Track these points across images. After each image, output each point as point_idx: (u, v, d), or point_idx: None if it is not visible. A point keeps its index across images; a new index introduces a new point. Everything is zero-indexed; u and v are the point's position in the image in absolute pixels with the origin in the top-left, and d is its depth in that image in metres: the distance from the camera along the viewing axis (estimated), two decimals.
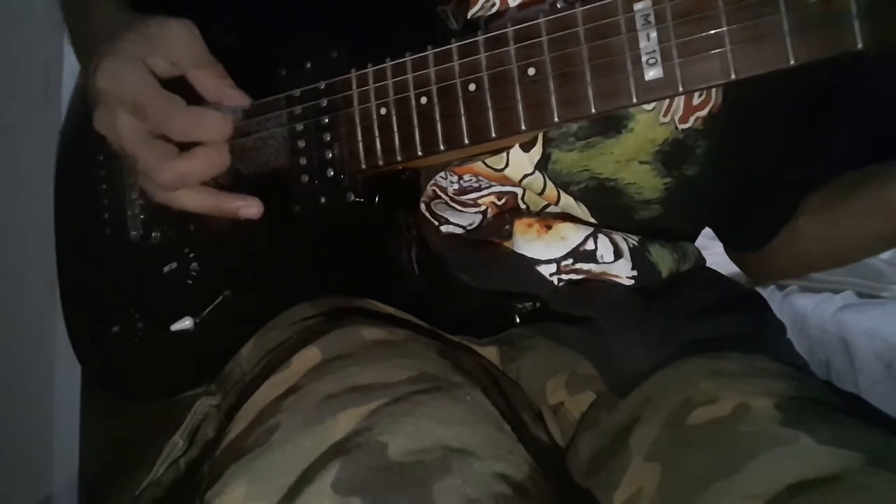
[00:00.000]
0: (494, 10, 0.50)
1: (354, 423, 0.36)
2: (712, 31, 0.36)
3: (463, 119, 0.43)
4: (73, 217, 0.68)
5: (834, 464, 0.37)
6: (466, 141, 0.43)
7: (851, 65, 0.51)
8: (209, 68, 0.48)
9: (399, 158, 0.45)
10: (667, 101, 0.51)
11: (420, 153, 0.44)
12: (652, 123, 0.51)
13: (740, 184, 0.56)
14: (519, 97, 0.41)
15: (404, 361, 0.42)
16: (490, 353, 0.55)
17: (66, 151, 0.70)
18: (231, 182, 0.51)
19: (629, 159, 0.52)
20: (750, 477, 0.38)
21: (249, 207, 0.48)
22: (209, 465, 0.40)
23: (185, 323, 0.56)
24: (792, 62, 0.35)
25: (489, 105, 0.42)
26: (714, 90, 0.52)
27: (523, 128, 0.41)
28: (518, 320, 0.52)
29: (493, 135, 0.42)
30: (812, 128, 0.55)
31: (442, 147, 0.43)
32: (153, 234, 0.59)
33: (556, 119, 0.40)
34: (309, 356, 0.43)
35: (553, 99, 0.40)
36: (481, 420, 0.39)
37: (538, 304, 0.53)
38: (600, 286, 0.54)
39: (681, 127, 0.52)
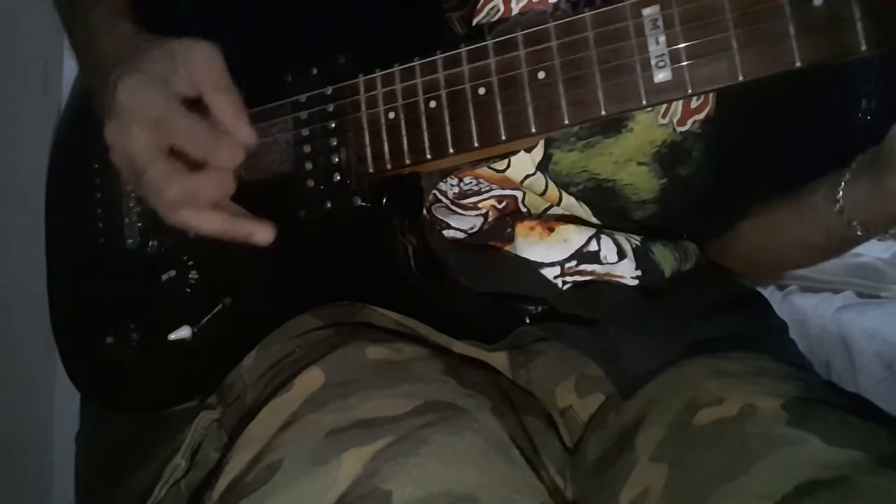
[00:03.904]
0: (498, 16, 0.50)
1: (359, 467, 0.35)
2: (720, 35, 0.37)
3: (473, 122, 0.43)
4: (65, 225, 0.67)
5: (841, 464, 0.37)
6: (476, 144, 0.43)
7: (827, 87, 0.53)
8: (229, 95, 0.47)
9: (408, 162, 0.46)
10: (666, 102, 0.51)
11: (429, 156, 0.45)
12: (651, 124, 0.51)
13: (728, 185, 0.57)
14: (529, 100, 0.41)
15: (409, 387, 0.41)
16: (500, 359, 0.55)
17: (59, 160, 0.69)
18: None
19: (628, 160, 0.53)
20: (758, 478, 0.38)
21: (262, 233, 0.48)
22: (209, 500, 0.40)
23: (183, 332, 0.55)
24: (798, 64, 0.36)
25: (499, 108, 0.42)
26: (710, 95, 0.52)
27: (533, 130, 0.41)
28: (528, 321, 0.52)
29: (503, 137, 0.42)
30: (779, 139, 0.57)
31: (451, 150, 0.44)
32: (151, 243, 0.58)
33: (566, 121, 0.40)
34: (312, 378, 0.42)
35: (563, 101, 0.40)
36: (488, 452, 0.38)
37: (544, 308, 0.53)
38: (605, 288, 0.54)
39: (679, 129, 0.52)
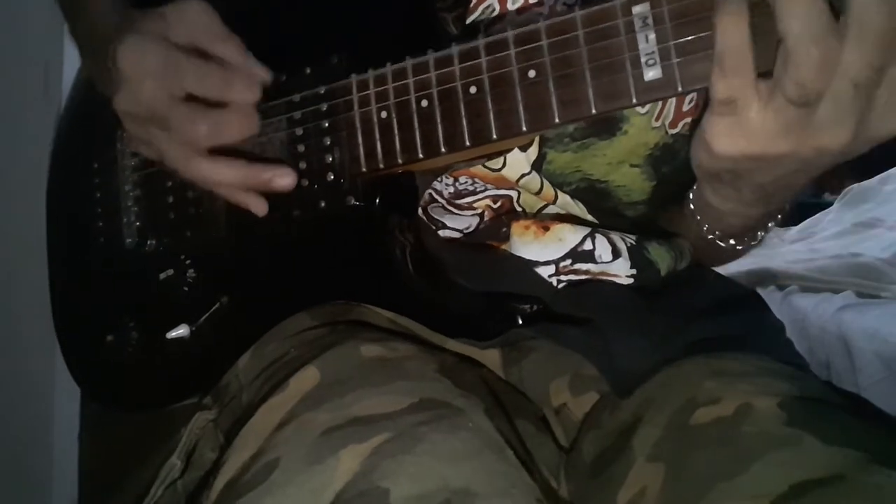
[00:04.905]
0: (494, 14, 0.50)
1: (356, 465, 0.36)
2: (710, 32, 0.36)
3: (464, 121, 0.43)
4: (65, 225, 0.68)
5: (838, 464, 0.37)
6: (468, 143, 0.43)
7: None
8: (231, 41, 0.48)
9: (400, 161, 0.46)
10: (659, 105, 0.51)
11: (421, 155, 0.45)
12: (645, 127, 0.52)
13: None
14: (520, 99, 0.41)
15: (405, 385, 0.41)
16: (492, 356, 0.55)
17: (59, 161, 0.70)
18: None
19: (621, 161, 0.53)
20: (755, 477, 0.38)
21: (283, 177, 0.48)
22: (207, 500, 0.40)
23: (181, 330, 0.55)
24: None
25: (490, 107, 0.42)
26: (702, 98, 0.52)
27: (524, 129, 0.41)
28: (521, 321, 0.52)
29: (495, 136, 0.42)
30: None
31: (443, 149, 0.44)
32: (149, 242, 0.59)
33: (556, 120, 0.40)
34: (307, 377, 0.43)
35: (554, 100, 0.40)
36: (484, 450, 0.38)
37: (538, 307, 0.53)
38: (600, 287, 0.54)
39: (671, 132, 0.52)
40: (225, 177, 0.48)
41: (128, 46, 0.46)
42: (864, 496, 0.35)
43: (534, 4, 0.50)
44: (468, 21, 0.50)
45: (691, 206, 0.50)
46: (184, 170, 0.48)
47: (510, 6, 0.50)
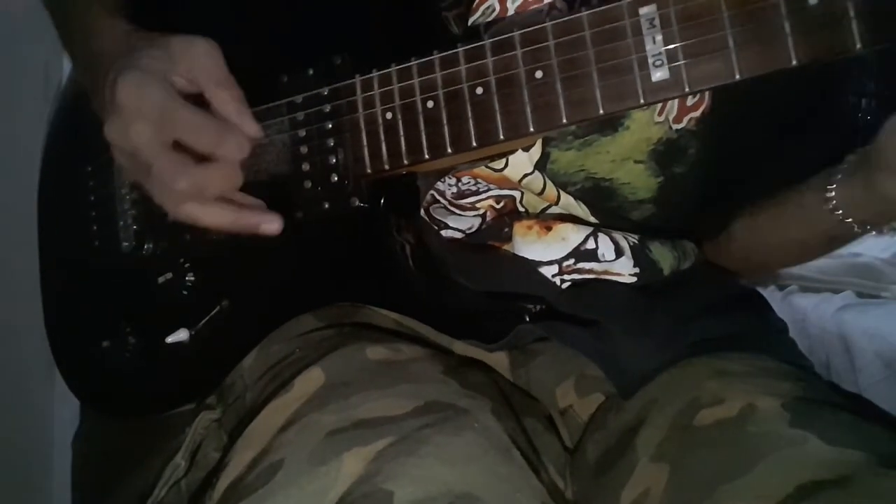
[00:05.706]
0: (494, 15, 0.50)
1: (360, 468, 0.36)
2: (716, 34, 0.37)
3: (471, 122, 0.43)
4: (59, 229, 0.67)
5: (843, 464, 0.37)
6: (474, 143, 0.43)
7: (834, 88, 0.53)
8: (230, 89, 0.47)
9: (406, 162, 0.45)
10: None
11: (427, 157, 0.45)
12: (647, 122, 0.52)
13: (724, 184, 0.57)
14: (527, 99, 0.41)
15: (410, 388, 0.41)
16: (499, 358, 0.55)
17: (51, 164, 0.69)
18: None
19: (624, 158, 0.53)
20: (759, 478, 0.38)
21: (271, 223, 0.47)
22: (210, 500, 0.40)
23: (181, 335, 0.54)
24: (794, 62, 0.36)
25: (497, 108, 0.42)
26: (706, 93, 0.52)
27: (531, 129, 0.41)
28: (528, 319, 0.52)
29: (502, 136, 0.42)
30: (775, 138, 0.57)
31: (449, 150, 0.44)
32: (146, 245, 0.58)
33: (564, 120, 0.40)
34: (312, 378, 0.43)
35: (561, 101, 0.40)
36: (489, 452, 0.38)
37: (542, 307, 0.53)
38: (603, 287, 0.54)
39: (675, 127, 0.53)
40: (212, 221, 0.47)
41: (128, 81, 0.45)
42: (870, 498, 0.35)
43: (533, 3, 0.50)
44: (469, 21, 0.50)
45: (832, 199, 0.50)
46: (171, 211, 0.48)
47: (510, 6, 0.50)
